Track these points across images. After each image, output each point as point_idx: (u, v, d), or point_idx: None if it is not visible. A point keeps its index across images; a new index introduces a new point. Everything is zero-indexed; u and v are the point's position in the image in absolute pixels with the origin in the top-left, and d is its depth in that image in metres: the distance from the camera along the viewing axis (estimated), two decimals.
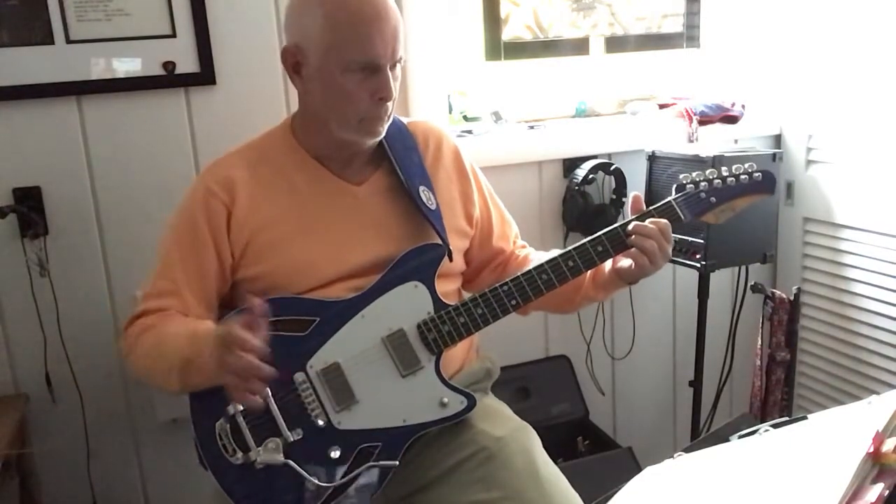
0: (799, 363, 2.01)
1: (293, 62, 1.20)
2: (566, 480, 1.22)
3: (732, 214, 1.29)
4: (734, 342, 2.12)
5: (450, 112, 2.02)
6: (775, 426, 0.92)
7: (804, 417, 0.90)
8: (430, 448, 1.23)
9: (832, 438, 0.80)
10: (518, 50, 2.16)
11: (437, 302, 1.22)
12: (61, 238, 1.64)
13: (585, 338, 2.09)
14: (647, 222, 1.21)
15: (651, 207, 1.25)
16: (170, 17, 1.62)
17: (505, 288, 1.21)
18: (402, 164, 1.28)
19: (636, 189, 1.89)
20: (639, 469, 1.00)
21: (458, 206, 1.35)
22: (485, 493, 1.16)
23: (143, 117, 1.65)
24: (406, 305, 1.21)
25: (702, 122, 2.09)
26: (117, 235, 1.67)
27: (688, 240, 1.86)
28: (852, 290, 2.04)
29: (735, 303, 2.11)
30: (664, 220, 1.22)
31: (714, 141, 2.07)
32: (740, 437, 0.95)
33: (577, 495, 1.20)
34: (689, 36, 2.31)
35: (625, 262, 1.24)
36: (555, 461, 1.27)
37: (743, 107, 2.18)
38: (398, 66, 1.20)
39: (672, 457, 0.96)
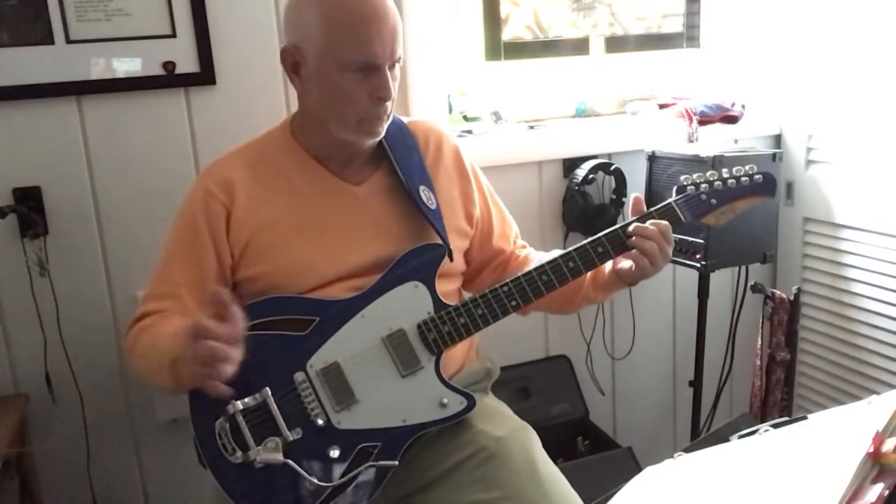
0: (799, 363, 2.01)
1: (292, 62, 1.20)
2: (566, 480, 1.22)
3: (733, 216, 1.29)
4: (734, 342, 2.12)
5: (450, 112, 2.02)
6: (775, 426, 0.92)
7: (804, 417, 0.90)
8: (429, 448, 1.23)
9: (832, 438, 0.80)
10: (518, 50, 2.16)
11: (437, 302, 1.22)
12: (61, 238, 1.64)
13: (585, 338, 2.09)
14: (647, 224, 1.21)
15: (652, 209, 1.25)
16: (170, 17, 1.62)
17: (505, 288, 1.21)
18: (402, 164, 1.28)
19: (636, 189, 1.90)
20: (639, 469, 1.00)
21: (459, 205, 1.35)
22: (484, 493, 1.16)
23: (143, 117, 1.65)
24: (406, 305, 1.21)
25: (702, 122, 2.09)
26: (117, 235, 1.67)
27: (688, 240, 1.86)
28: (852, 290, 2.04)
29: (735, 303, 2.11)
30: (665, 222, 1.22)
31: (714, 141, 2.07)
32: (740, 437, 0.95)
33: (576, 495, 1.20)
34: (689, 36, 2.31)
35: (625, 263, 1.24)
36: (555, 461, 1.27)
37: (743, 107, 2.18)
38: (397, 66, 1.20)
39: (672, 457, 0.96)
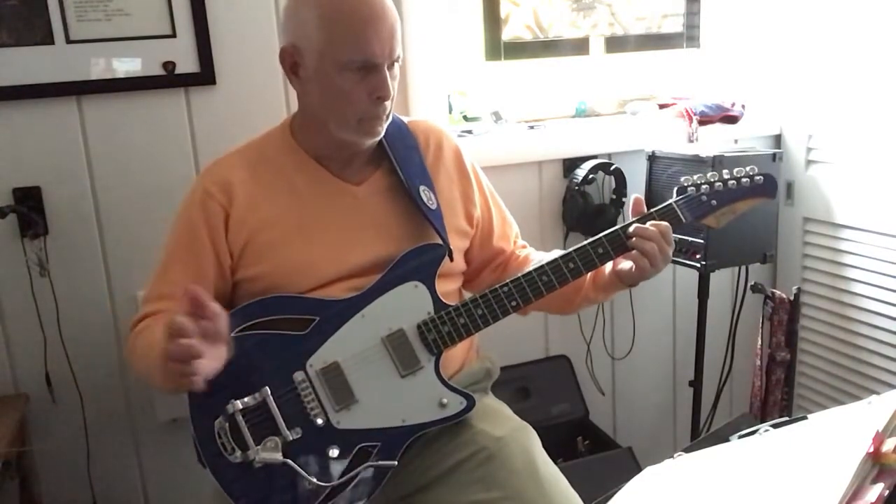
0: (799, 363, 2.01)
1: (291, 63, 1.20)
2: (566, 480, 1.22)
3: (733, 217, 1.29)
4: (734, 342, 2.12)
5: (450, 112, 2.02)
6: (775, 426, 0.92)
7: (804, 417, 0.90)
8: (429, 448, 1.23)
9: (832, 438, 0.80)
10: (518, 50, 2.16)
11: (437, 302, 1.22)
12: (61, 238, 1.64)
13: (585, 338, 2.09)
14: (647, 225, 1.21)
15: (652, 210, 1.25)
16: (170, 17, 1.62)
17: (505, 289, 1.21)
18: (402, 164, 1.28)
19: (636, 189, 1.90)
20: (639, 469, 1.00)
21: (459, 205, 1.35)
22: (484, 493, 1.16)
23: (143, 117, 1.65)
24: (406, 305, 1.21)
25: (702, 122, 2.09)
26: (117, 235, 1.67)
27: (688, 240, 1.86)
28: (852, 290, 2.04)
29: (735, 303, 2.11)
30: (665, 223, 1.22)
31: (714, 141, 2.07)
32: (740, 437, 0.95)
33: (576, 495, 1.20)
34: (689, 36, 2.31)
35: (625, 264, 1.23)
36: (555, 461, 1.27)
37: (743, 107, 2.18)
38: (396, 66, 1.20)
39: (672, 457, 0.96)
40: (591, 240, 1.24)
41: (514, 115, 2.14)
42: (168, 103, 1.67)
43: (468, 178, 1.37)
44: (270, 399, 1.14)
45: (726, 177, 1.27)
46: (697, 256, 1.85)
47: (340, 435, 1.15)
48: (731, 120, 2.15)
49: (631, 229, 1.21)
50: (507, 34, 2.13)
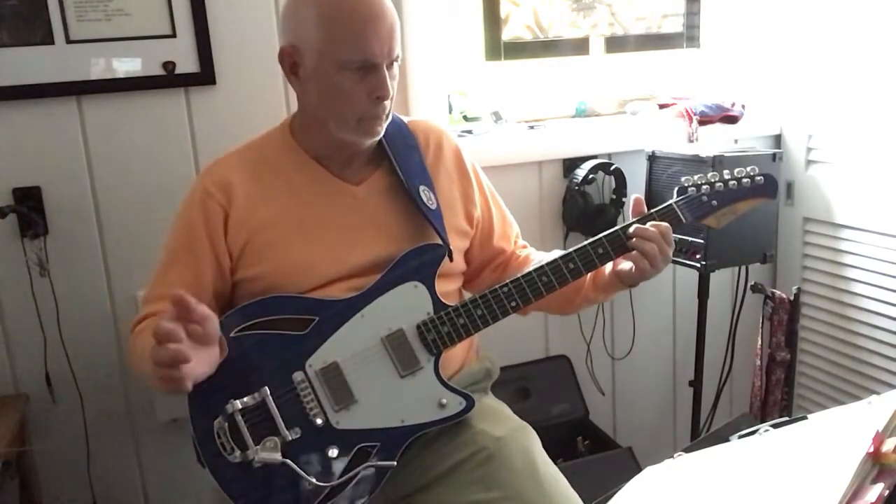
0: (799, 363, 2.01)
1: (290, 63, 1.20)
2: (566, 480, 1.22)
3: (734, 217, 1.28)
4: (734, 342, 2.12)
5: (450, 112, 2.02)
6: (775, 426, 0.92)
7: (804, 417, 0.90)
8: (429, 448, 1.23)
9: (832, 438, 0.80)
10: (518, 50, 2.16)
11: (437, 302, 1.22)
12: (61, 238, 1.64)
13: (585, 338, 2.09)
14: (648, 225, 1.21)
15: (652, 210, 1.25)
16: (170, 17, 1.62)
17: (505, 289, 1.21)
18: (402, 164, 1.28)
19: (636, 189, 1.90)
20: (639, 469, 1.00)
21: (459, 205, 1.35)
22: (484, 494, 1.16)
23: (143, 117, 1.66)
24: (406, 305, 1.21)
25: (702, 122, 2.09)
26: (117, 235, 1.67)
27: (688, 240, 1.86)
28: (852, 290, 2.04)
29: (735, 303, 2.11)
30: (665, 224, 1.21)
31: (714, 141, 2.07)
32: (740, 437, 0.95)
33: (576, 495, 1.20)
34: (689, 36, 2.31)
35: (625, 264, 1.23)
36: (555, 461, 1.27)
37: (743, 107, 2.18)
38: (395, 65, 1.19)
39: (672, 457, 0.95)
40: (591, 240, 1.23)
41: (514, 115, 2.14)
42: (168, 103, 1.67)
43: (468, 178, 1.37)
44: (270, 399, 1.13)
45: (727, 177, 1.27)
46: (697, 256, 1.85)
47: (340, 435, 1.15)
48: (731, 120, 2.15)
49: (631, 230, 1.21)
50: (507, 34, 2.13)
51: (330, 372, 1.17)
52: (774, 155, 1.87)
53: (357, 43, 1.14)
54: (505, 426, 1.26)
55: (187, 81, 1.66)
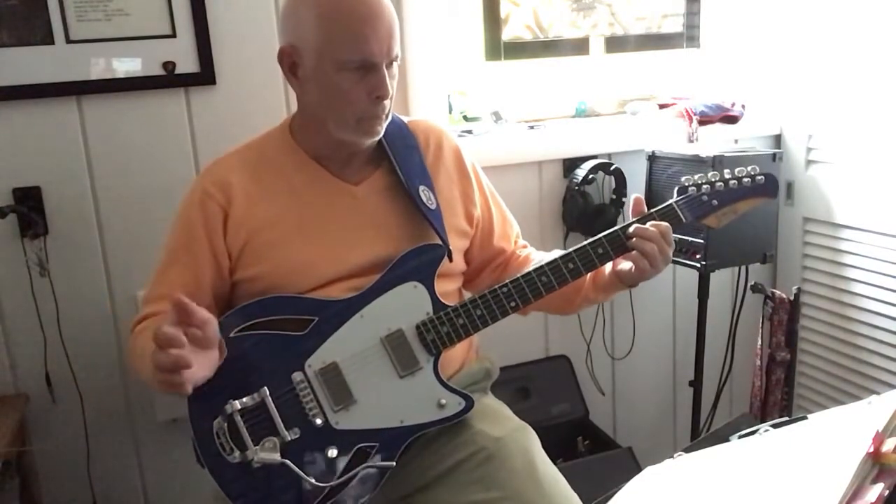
0: (799, 363, 2.01)
1: (289, 63, 1.20)
2: (565, 481, 1.22)
3: (734, 217, 1.28)
4: (734, 342, 2.12)
5: (450, 112, 2.02)
6: (775, 426, 0.92)
7: (804, 417, 0.90)
8: (428, 448, 1.22)
9: (832, 438, 0.80)
10: (518, 50, 2.16)
11: (437, 303, 1.22)
12: (61, 238, 1.64)
13: (585, 338, 2.09)
14: (648, 225, 1.21)
15: (652, 210, 1.25)
16: (170, 17, 1.62)
17: (504, 289, 1.21)
18: (401, 164, 1.27)
19: (636, 189, 1.90)
20: (639, 469, 1.00)
21: (459, 205, 1.35)
22: (483, 494, 1.16)
23: (143, 117, 1.66)
24: (405, 306, 1.21)
25: (702, 122, 2.09)
26: (117, 235, 1.67)
27: (688, 240, 1.86)
28: (852, 290, 2.04)
29: (735, 303, 2.11)
30: (665, 224, 1.21)
31: (714, 141, 2.07)
32: (740, 437, 0.95)
33: (576, 496, 1.20)
34: (689, 36, 2.31)
35: (625, 264, 1.23)
36: (555, 461, 1.27)
37: (743, 107, 2.18)
38: (395, 65, 1.19)
39: (672, 457, 0.95)
40: (590, 240, 1.23)
41: (514, 115, 2.14)
42: (168, 103, 1.67)
43: (468, 178, 1.37)
44: (269, 399, 1.13)
45: (727, 176, 1.26)
46: (697, 256, 1.85)
47: (339, 435, 1.15)
48: (731, 120, 2.15)
49: (631, 230, 1.21)
50: (507, 34, 2.13)
51: (329, 372, 1.17)
52: (774, 155, 1.87)
53: (356, 43, 1.13)
54: (504, 426, 1.26)
55: (187, 81, 1.66)
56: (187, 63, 1.65)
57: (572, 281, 1.23)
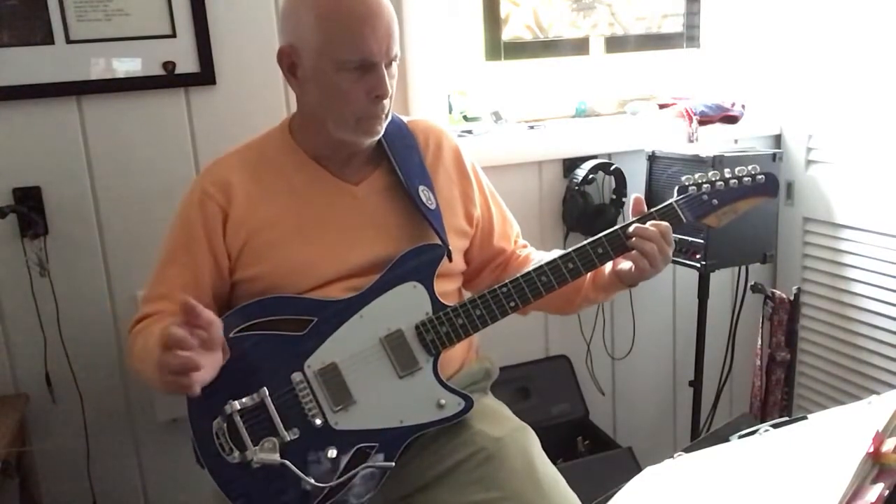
0: (799, 363, 2.01)
1: (289, 63, 1.20)
2: (565, 481, 1.22)
3: (734, 217, 1.28)
4: (734, 342, 2.12)
5: (450, 112, 2.02)
6: (775, 426, 0.92)
7: (804, 417, 0.90)
8: (428, 448, 1.22)
9: (832, 438, 0.80)
10: (518, 50, 2.16)
11: (436, 303, 1.22)
12: (61, 238, 1.64)
13: (585, 338, 2.09)
14: (647, 224, 1.21)
15: (652, 209, 1.24)
16: (170, 17, 1.62)
17: (504, 289, 1.21)
18: (401, 164, 1.27)
19: (636, 189, 1.90)
20: (639, 469, 1.00)
21: (459, 205, 1.35)
22: (483, 494, 1.16)
23: (143, 117, 1.66)
24: (404, 306, 1.21)
25: (702, 122, 2.09)
26: (117, 235, 1.67)
27: (688, 240, 1.86)
28: (852, 290, 2.04)
29: (735, 303, 2.11)
30: (665, 223, 1.21)
31: (714, 141, 2.07)
32: (740, 437, 0.95)
33: (575, 496, 1.20)
34: (689, 36, 2.31)
35: (625, 264, 1.23)
36: (554, 461, 1.27)
37: (743, 107, 2.18)
38: (394, 64, 1.19)
39: (672, 457, 0.95)
40: (590, 240, 1.23)
41: (514, 115, 2.14)
42: (168, 103, 1.67)
43: (468, 178, 1.37)
44: (268, 400, 1.13)
45: (728, 176, 1.26)
46: (697, 256, 1.85)
47: (338, 436, 1.15)
48: (731, 120, 2.15)
49: (631, 229, 1.21)
50: (507, 34, 2.13)
51: (328, 372, 1.17)
52: (774, 155, 1.87)
53: (355, 42, 1.13)
54: (504, 426, 1.26)
55: (187, 81, 1.66)
56: (187, 63, 1.65)
57: (572, 281, 1.23)
